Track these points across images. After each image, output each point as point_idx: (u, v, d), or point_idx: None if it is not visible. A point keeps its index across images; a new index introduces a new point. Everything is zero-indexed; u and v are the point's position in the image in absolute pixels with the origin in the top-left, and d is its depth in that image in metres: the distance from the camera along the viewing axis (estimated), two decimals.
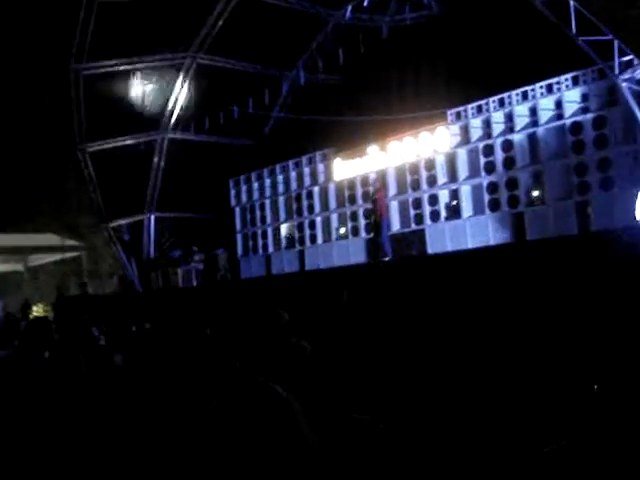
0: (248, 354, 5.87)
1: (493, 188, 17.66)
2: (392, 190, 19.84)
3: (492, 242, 17.14)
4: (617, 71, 13.73)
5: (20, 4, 18.78)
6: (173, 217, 25.30)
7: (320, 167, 21.86)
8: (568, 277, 10.92)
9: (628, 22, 12.21)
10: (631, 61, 13.97)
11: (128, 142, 23.66)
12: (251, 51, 22.00)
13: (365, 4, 20.90)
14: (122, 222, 24.89)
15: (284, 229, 22.88)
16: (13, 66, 20.56)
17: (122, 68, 21.83)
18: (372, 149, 20.30)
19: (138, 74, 22.29)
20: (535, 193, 17.03)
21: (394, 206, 19.78)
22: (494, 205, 17.62)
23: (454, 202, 18.65)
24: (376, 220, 17.43)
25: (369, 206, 19.11)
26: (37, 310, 24.80)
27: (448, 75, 18.56)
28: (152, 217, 24.99)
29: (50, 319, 15.82)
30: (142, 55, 21.61)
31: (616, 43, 13.15)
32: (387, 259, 16.75)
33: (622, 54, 13.83)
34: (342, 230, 21.18)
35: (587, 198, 15.81)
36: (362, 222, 20.46)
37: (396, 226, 19.67)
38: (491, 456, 5.21)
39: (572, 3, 12.74)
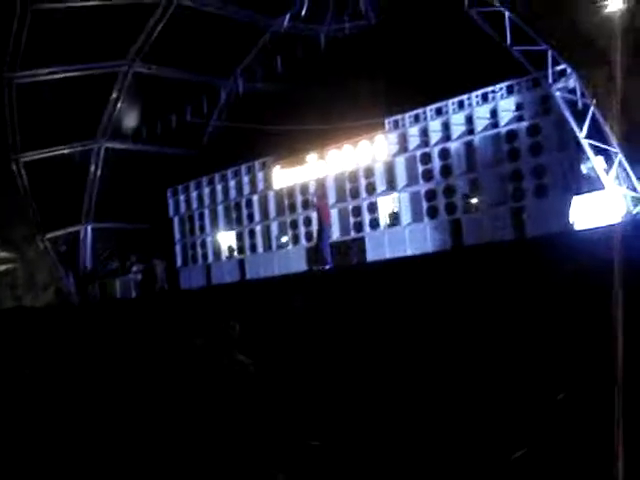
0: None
1: (431, 195, 17.91)
2: (331, 198, 19.91)
3: (431, 249, 17.35)
4: (550, 80, 14.07)
5: None
6: (111, 227, 24.87)
7: (259, 175, 21.83)
8: (504, 282, 11.10)
9: (559, 31, 12.54)
10: (564, 70, 14.34)
11: (64, 151, 23.22)
12: (188, 59, 21.85)
13: (303, 13, 20.97)
14: (58, 233, 24.36)
15: (223, 238, 22.74)
16: None
17: (57, 76, 21.42)
18: (311, 157, 20.36)
19: (73, 82, 21.87)
20: (472, 200, 17.33)
21: (334, 214, 19.86)
22: (432, 212, 17.86)
23: (393, 209, 18.86)
24: (319, 227, 17.50)
25: (311, 213, 19.23)
26: None
27: (386, 84, 18.74)
28: (89, 228, 24.54)
29: None
30: (78, 63, 21.24)
31: (550, 53, 13.48)
32: (327, 267, 16.80)
33: (556, 64, 14.19)
34: (283, 239, 21.17)
35: (522, 204, 16.14)
36: (302, 230, 20.50)
37: (336, 234, 19.74)
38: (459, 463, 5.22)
39: (507, 14, 13.01)
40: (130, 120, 23.39)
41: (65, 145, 23.20)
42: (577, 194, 14.78)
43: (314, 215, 18.90)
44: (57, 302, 24.71)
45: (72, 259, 24.60)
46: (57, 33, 19.64)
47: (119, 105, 23.15)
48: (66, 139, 23.00)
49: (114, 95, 22.91)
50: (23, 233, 24.49)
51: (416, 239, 17.99)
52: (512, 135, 16.31)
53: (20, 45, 19.84)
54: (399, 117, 18.55)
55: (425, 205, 18.00)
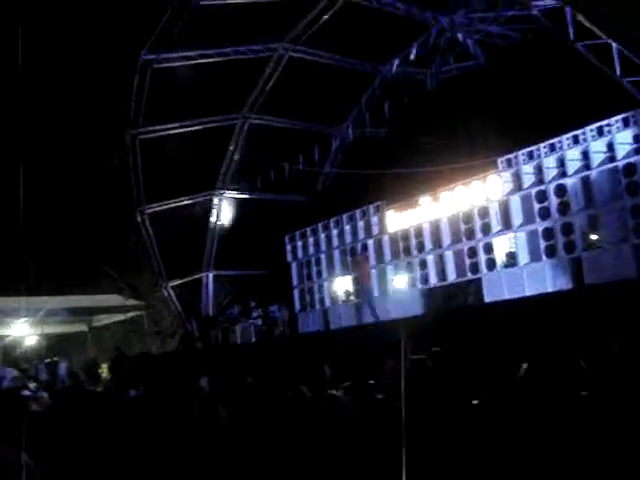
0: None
1: (549, 234, 17.41)
2: (446, 240, 19.74)
3: (550, 289, 16.80)
4: None
5: (78, 75, 19.58)
6: (231, 274, 25.57)
7: (373, 220, 21.88)
8: (630, 322, 10.62)
9: None
10: None
11: (185, 202, 24.17)
12: (301, 109, 22.39)
13: (411, 57, 21.10)
14: (181, 281, 25.27)
15: (340, 283, 22.86)
16: (74, 135, 21.35)
17: (177, 131, 22.43)
18: (424, 200, 20.27)
19: (193, 136, 22.84)
20: (592, 237, 16.72)
21: (449, 255, 19.68)
22: (551, 251, 17.34)
23: (509, 249, 18.44)
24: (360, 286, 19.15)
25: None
26: (103, 369, 25.24)
27: (497, 122, 18.52)
28: (210, 275, 25.33)
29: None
30: (196, 117, 22.18)
31: None
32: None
33: None
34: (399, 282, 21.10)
35: None
36: (418, 273, 20.37)
37: (452, 276, 19.51)
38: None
39: (615, 45, 12.65)
40: (247, 170, 24.09)
41: (186, 196, 24.16)
42: None
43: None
44: (182, 348, 25.50)
45: (194, 306, 25.40)
46: (176, 89, 20.63)
47: (236, 156, 23.95)
48: (187, 190, 23.97)
49: (231, 147, 23.74)
50: (148, 282, 25.56)
51: (535, 279, 17.44)
52: (631, 168, 15.68)
53: (142, 103, 20.94)
54: (512, 155, 18.22)
55: (543, 244, 17.50)
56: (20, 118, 18.99)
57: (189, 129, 22.40)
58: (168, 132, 22.26)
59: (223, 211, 24.86)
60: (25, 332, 24.63)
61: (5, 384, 15.75)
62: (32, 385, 16.71)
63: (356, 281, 19.48)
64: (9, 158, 15.34)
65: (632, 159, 15.64)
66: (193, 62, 20.10)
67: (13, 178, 8.91)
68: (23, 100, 19.46)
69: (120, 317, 27.27)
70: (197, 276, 25.34)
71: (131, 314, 26.73)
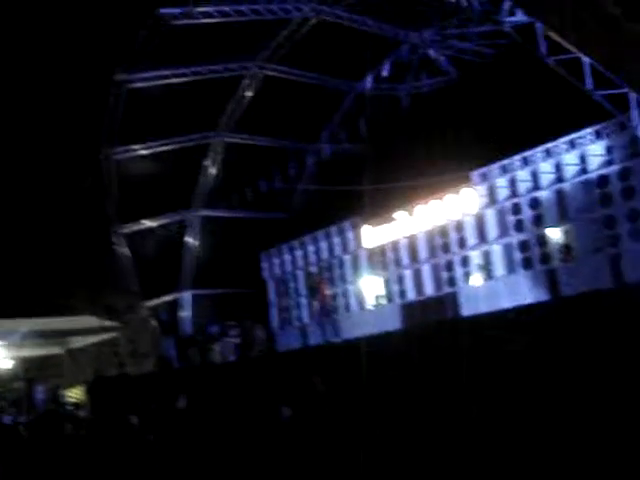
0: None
1: (524, 246, 17.58)
2: (423, 254, 19.86)
3: (526, 301, 16.90)
4: (636, 122, 13.67)
5: (51, 93, 19.48)
6: (208, 293, 25.43)
7: (349, 235, 21.97)
8: (606, 331, 10.79)
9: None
10: None
11: (161, 222, 24.06)
12: (276, 127, 22.44)
13: (384, 74, 21.26)
14: (159, 301, 25.10)
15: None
16: (48, 155, 21.21)
17: (152, 150, 22.35)
18: (399, 215, 20.37)
19: (168, 155, 22.75)
20: (566, 249, 16.89)
21: (426, 270, 19.79)
22: (526, 263, 17.49)
23: (485, 262, 18.57)
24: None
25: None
26: (75, 393, 24.97)
27: (470, 137, 18.65)
28: (187, 294, 25.20)
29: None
30: (171, 136, 22.14)
31: (632, 95, 13.14)
32: None
33: None
34: (376, 298, 21.17)
35: (619, 250, 15.60)
36: (395, 288, 20.44)
37: (429, 289, 19.63)
38: None
39: (586, 60, 12.82)
40: (223, 188, 24.04)
41: (162, 215, 24.05)
42: None
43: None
44: (159, 369, 25.26)
45: (172, 326, 25.23)
46: (151, 109, 20.56)
47: (212, 174, 23.90)
48: (163, 209, 23.86)
49: (206, 165, 23.69)
50: (125, 302, 25.32)
51: (511, 291, 17.56)
52: (603, 180, 15.91)
53: (116, 122, 20.87)
54: (485, 169, 18.40)
55: (519, 256, 17.67)
56: None
57: (164, 148, 22.33)
58: (143, 152, 22.16)
59: (199, 230, 24.77)
60: (1, 355, 24.30)
61: None
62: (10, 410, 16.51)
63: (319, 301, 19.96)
64: None
65: (604, 170, 15.88)
66: (168, 81, 20.06)
67: None
68: None
69: (96, 339, 27.00)
70: (174, 296, 25.18)
71: (107, 335, 26.46)
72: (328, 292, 20.84)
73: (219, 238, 24.17)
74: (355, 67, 21.13)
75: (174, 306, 25.40)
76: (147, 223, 23.91)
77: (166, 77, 20.07)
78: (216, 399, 15.54)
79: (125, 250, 23.89)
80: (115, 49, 19.49)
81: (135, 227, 23.84)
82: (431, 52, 20.37)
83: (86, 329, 25.78)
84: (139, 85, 20.09)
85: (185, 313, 25.44)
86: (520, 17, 13.97)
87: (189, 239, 24.88)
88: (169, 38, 18.33)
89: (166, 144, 22.32)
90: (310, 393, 7.33)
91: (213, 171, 23.94)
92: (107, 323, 25.74)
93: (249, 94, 21.71)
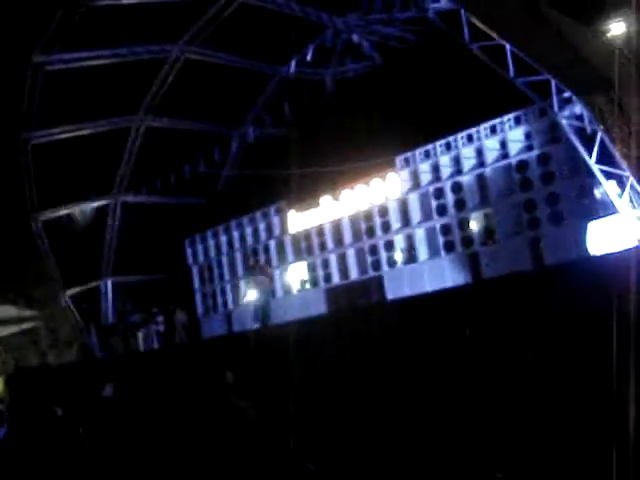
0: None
1: (446, 230, 17.91)
2: (347, 238, 19.99)
3: (449, 284, 17.25)
4: (556, 108, 14.08)
5: None
6: (131, 280, 24.98)
7: (275, 220, 21.95)
8: (525, 313, 11.03)
9: (560, 59, 12.61)
10: (570, 98, 14.34)
11: (81, 207, 23.49)
12: (199, 110, 22.15)
13: (308, 58, 21.24)
14: (80, 289, 24.52)
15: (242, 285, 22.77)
16: None
17: (71, 134, 21.75)
18: (325, 199, 20.46)
19: (88, 139, 22.19)
20: (488, 232, 17.30)
21: (351, 254, 19.93)
22: (449, 247, 17.83)
23: (409, 246, 18.84)
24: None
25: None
26: None
27: (395, 123, 18.86)
28: (109, 282, 24.70)
29: None
30: (91, 120, 21.60)
31: (553, 82, 13.52)
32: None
33: (560, 91, 14.19)
34: (301, 282, 21.23)
35: (539, 233, 16.07)
36: (321, 273, 20.53)
37: (354, 273, 19.79)
38: None
39: (508, 47, 13.11)
40: (145, 173, 23.61)
41: (82, 201, 23.48)
42: (592, 219, 14.71)
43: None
44: (81, 358, 24.76)
45: (94, 314, 24.72)
46: (70, 92, 19.99)
47: (133, 159, 23.44)
48: (83, 195, 23.28)
49: (128, 149, 23.21)
50: (45, 291, 24.68)
51: (434, 275, 17.91)
52: (523, 165, 16.33)
53: (34, 105, 20.23)
54: (409, 154, 18.64)
55: (441, 240, 17.99)
56: None
57: (85, 132, 21.74)
58: (63, 135, 21.53)
59: (120, 216, 24.28)
60: None
61: None
62: None
63: (260, 285, 19.42)
64: None
65: (524, 156, 16.30)
66: (88, 64, 19.51)
67: None
68: None
69: (15, 329, 26.27)
70: (96, 283, 24.66)
71: (26, 325, 25.79)
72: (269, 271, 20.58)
73: (142, 224, 23.72)
74: (279, 51, 21.06)
75: (96, 294, 24.87)
76: (67, 209, 23.29)
77: (86, 59, 19.51)
78: (141, 387, 15.31)
79: (44, 237, 23.25)
80: (31, 30, 18.86)
81: (55, 213, 23.19)
82: (355, 37, 20.42)
83: (4, 319, 25.08)
84: (58, 67, 19.47)
85: (107, 301, 24.94)
86: (444, 4, 14.16)
87: (110, 226, 24.35)
88: (89, 19, 17.82)
89: (86, 128, 21.76)
90: (221, 383, 7.30)
91: (134, 156, 23.47)
92: (27, 312, 25.09)
93: (171, 77, 21.33)
